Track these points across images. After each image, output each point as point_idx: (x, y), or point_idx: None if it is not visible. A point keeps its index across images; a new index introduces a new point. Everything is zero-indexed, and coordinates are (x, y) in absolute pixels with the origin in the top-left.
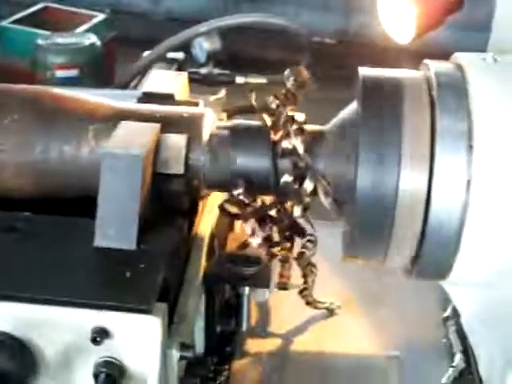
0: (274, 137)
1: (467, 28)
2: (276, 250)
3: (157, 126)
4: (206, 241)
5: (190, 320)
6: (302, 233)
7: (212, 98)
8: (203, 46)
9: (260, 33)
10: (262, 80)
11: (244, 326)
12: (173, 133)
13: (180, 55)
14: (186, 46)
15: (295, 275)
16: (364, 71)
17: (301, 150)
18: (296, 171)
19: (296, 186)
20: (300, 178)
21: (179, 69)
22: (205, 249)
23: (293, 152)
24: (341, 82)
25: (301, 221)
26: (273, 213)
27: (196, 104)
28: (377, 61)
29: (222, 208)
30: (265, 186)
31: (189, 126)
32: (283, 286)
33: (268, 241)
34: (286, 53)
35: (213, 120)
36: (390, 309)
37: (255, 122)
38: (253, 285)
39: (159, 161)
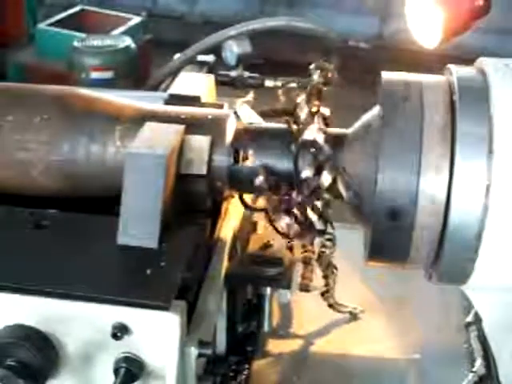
0: (296, 129)
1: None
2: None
3: (181, 127)
4: (229, 241)
5: (209, 318)
6: (321, 232)
7: (240, 100)
8: (233, 49)
9: (291, 37)
10: (292, 83)
11: (265, 327)
12: (197, 134)
13: (210, 58)
14: (216, 49)
15: (318, 277)
16: (386, 75)
17: (321, 140)
18: (316, 163)
19: (316, 179)
20: (320, 170)
21: (209, 71)
22: (227, 249)
23: (314, 144)
24: (373, 87)
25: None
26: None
27: (221, 106)
28: (411, 66)
29: (242, 200)
30: (288, 182)
31: (213, 127)
32: (305, 288)
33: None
34: (316, 57)
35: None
36: (412, 312)
37: (278, 125)
38: (274, 286)
39: (183, 161)
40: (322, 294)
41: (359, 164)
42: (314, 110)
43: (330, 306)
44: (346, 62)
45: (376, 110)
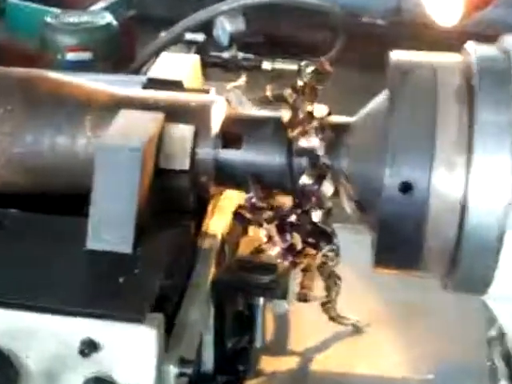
0: (291, 133)
1: None
2: (300, 259)
3: (160, 115)
4: (216, 245)
5: (192, 332)
6: (327, 239)
7: (230, 85)
8: (226, 27)
9: (292, 11)
10: (293, 66)
11: (258, 342)
12: (178, 123)
13: (199, 37)
14: (207, 27)
15: (319, 285)
16: (396, 55)
17: (320, 151)
18: (315, 171)
19: (315, 187)
20: (320, 179)
21: (198, 52)
22: (213, 254)
23: (311, 152)
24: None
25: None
26: (292, 218)
27: (207, 91)
28: (433, 44)
29: (237, 215)
30: (278, 185)
31: (196, 115)
32: (304, 298)
33: (290, 250)
34: (320, 35)
35: (224, 108)
36: (425, 324)
37: (271, 114)
38: (268, 295)
39: (162, 154)
40: (323, 305)
41: (363, 161)
42: (310, 109)
43: (332, 318)
44: (360, 41)
45: (384, 96)
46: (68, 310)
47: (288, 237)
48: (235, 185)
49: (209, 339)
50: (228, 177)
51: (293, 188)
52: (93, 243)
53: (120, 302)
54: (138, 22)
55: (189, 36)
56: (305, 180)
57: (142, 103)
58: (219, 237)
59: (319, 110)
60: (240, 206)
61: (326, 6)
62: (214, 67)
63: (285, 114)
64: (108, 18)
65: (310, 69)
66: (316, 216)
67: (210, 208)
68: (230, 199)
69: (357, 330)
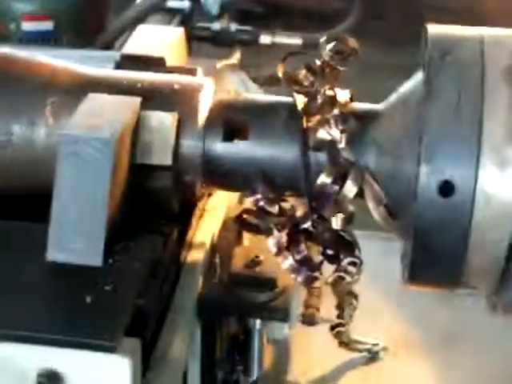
0: (307, 123)
1: None
2: (317, 274)
3: (136, 100)
4: (203, 256)
5: (175, 362)
6: (349, 250)
7: (221, 63)
8: None
9: None
10: (296, 40)
11: (255, 373)
12: (159, 110)
13: (184, 4)
14: None
15: (328, 304)
16: (434, 30)
17: (342, 144)
18: (336, 169)
19: (336, 188)
20: (341, 178)
21: (183, 23)
22: (201, 267)
23: (331, 145)
24: (411, 42)
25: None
26: (307, 225)
27: (193, 72)
28: (466, 15)
29: (240, 221)
30: (291, 185)
31: (181, 100)
32: (309, 320)
33: (305, 263)
34: (331, 2)
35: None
36: (464, 353)
37: (281, 99)
38: (266, 316)
39: (139, 147)
40: (333, 328)
41: (394, 157)
42: (330, 93)
43: (343, 344)
44: (380, 10)
45: (418, 78)
46: (24, 335)
47: (302, 247)
48: (238, 185)
49: (195, 370)
50: (229, 175)
51: (308, 189)
52: (55, 253)
53: (87, 326)
54: None
55: (171, 3)
56: (323, 179)
57: (114, 85)
58: (208, 247)
59: (341, 95)
60: (245, 210)
61: None
62: (202, 41)
63: (299, 100)
64: None
65: (330, 45)
66: (336, 222)
67: (196, 212)
68: (221, 202)
69: (373, 356)
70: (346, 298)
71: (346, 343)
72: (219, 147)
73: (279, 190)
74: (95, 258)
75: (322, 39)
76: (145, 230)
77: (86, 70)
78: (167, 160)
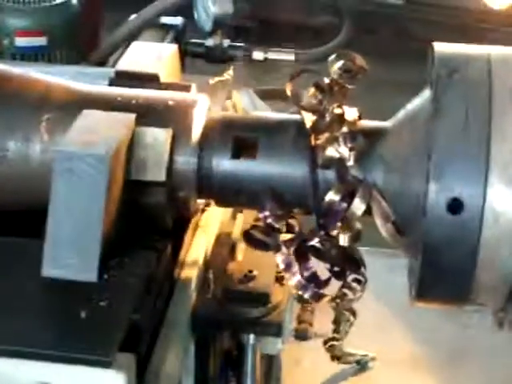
0: (316, 141)
1: None
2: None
3: (131, 116)
4: (197, 272)
5: (169, 377)
6: (354, 267)
7: (214, 79)
8: (209, 9)
9: None
10: (289, 56)
11: None
12: (153, 126)
13: (178, 20)
14: (186, 9)
15: (322, 319)
16: (441, 48)
17: (350, 161)
18: (344, 186)
19: (344, 206)
20: (349, 196)
21: (176, 39)
22: (194, 282)
23: (340, 163)
24: (407, 58)
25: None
26: (314, 242)
27: (187, 88)
28: (457, 29)
29: (248, 237)
30: (299, 202)
31: (175, 117)
32: (302, 335)
33: (313, 280)
34: (323, 18)
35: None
36: (469, 370)
37: (289, 117)
38: (260, 332)
39: (133, 163)
40: (326, 342)
41: (402, 174)
42: (338, 111)
43: (335, 358)
44: (370, 25)
45: (426, 95)
46: (20, 351)
47: (310, 264)
48: (246, 201)
49: None
50: (237, 192)
51: (317, 206)
52: (50, 269)
53: (82, 341)
54: (104, 1)
55: (165, 19)
56: (331, 197)
57: (108, 102)
58: (201, 262)
59: (349, 112)
60: (253, 226)
61: None
62: (195, 57)
63: (307, 118)
64: None
65: (339, 64)
66: (343, 239)
67: (190, 228)
68: (214, 217)
69: (362, 367)
70: (344, 314)
71: (338, 357)
72: (227, 164)
73: (287, 206)
74: (90, 274)
75: (331, 57)
76: (139, 246)
77: (81, 87)
78: (161, 176)
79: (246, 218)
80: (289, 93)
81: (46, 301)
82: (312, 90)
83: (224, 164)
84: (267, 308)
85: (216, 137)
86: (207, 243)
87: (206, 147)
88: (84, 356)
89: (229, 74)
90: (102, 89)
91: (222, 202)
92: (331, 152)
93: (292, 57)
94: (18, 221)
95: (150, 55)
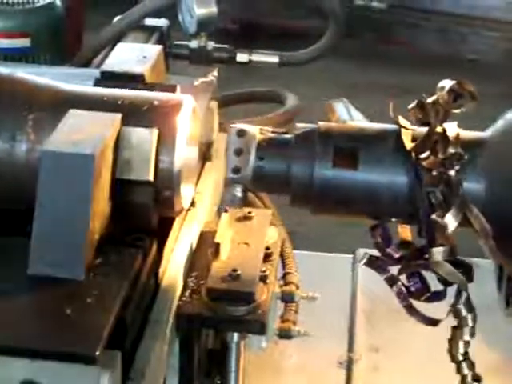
0: (421, 161)
1: None
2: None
3: (117, 116)
4: (181, 270)
5: (154, 374)
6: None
7: (199, 80)
8: (193, 11)
9: None
10: (273, 59)
11: None
12: (139, 126)
13: (162, 22)
14: (170, 11)
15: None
16: None
17: (455, 179)
18: (445, 200)
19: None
20: (447, 208)
21: (160, 40)
22: (179, 280)
23: (447, 183)
24: (388, 62)
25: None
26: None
27: (173, 88)
28: (440, 32)
29: (369, 262)
30: (398, 214)
31: (160, 117)
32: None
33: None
34: (308, 21)
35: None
36: None
37: (386, 127)
38: (243, 330)
39: (120, 163)
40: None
41: (503, 187)
42: (439, 130)
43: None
44: (353, 29)
45: None
46: (7, 347)
47: (417, 279)
48: (344, 211)
49: (173, 382)
50: (337, 201)
51: (426, 221)
52: (36, 267)
53: (68, 337)
54: (88, 3)
55: (149, 21)
56: (437, 214)
57: (94, 102)
58: (185, 261)
59: (450, 128)
60: (375, 258)
61: None
62: (179, 59)
63: (406, 134)
64: None
65: (447, 87)
66: (437, 255)
67: (174, 227)
68: (199, 216)
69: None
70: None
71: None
72: (329, 174)
73: (386, 216)
74: (77, 272)
75: (440, 83)
76: (125, 244)
77: (67, 87)
78: (147, 175)
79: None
80: (391, 113)
81: (32, 298)
82: (414, 109)
83: (325, 173)
84: (251, 307)
85: (317, 146)
86: (191, 242)
87: (301, 155)
88: (69, 352)
89: (213, 76)
90: (88, 89)
91: (319, 211)
92: (437, 172)
93: (276, 59)
94: (4, 219)
95: (135, 56)
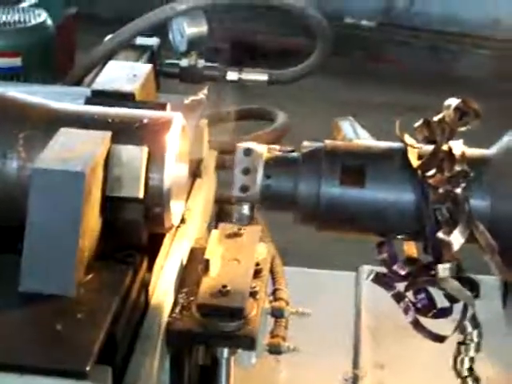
0: (427, 179)
1: None
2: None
3: (107, 134)
4: (172, 286)
5: None
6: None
7: (189, 99)
8: (184, 30)
9: (261, 13)
10: (262, 77)
11: None
12: (129, 144)
13: (153, 41)
14: (161, 30)
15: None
16: None
17: (461, 197)
18: (451, 216)
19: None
20: (453, 225)
21: (151, 59)
22: (169, 296)
23: (453, 201)
24: (377, 80)
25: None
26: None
27: (163, 106)
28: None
29: (376, 279)
30: (404, 231)
31: (150, 135)
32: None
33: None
34: (297, 40)
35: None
36: None
37: (392, 145)
38: (233, 345)
39: (110, 180)
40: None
41: (508, 203)
42: (445, 148)
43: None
44: (343, 47)
45: None
46: None
47: (423, 295)
48: (350, 228)
49: None
50: (343, 219)
51: (432, 238)
52: (27, 284)
53: (58, 352)
54: (79, 22)
55: (140, 40)
56: (443, 236)
57: (85, 120)
58: (176, 277)
59: (456, 146)
60: (380, 274)
61: (301, 8)
62: (170, 77)
63: (412, 153)
64: (43, 17)
65: (453, 106)
66: (443, 271)
67: (165, 243)
68: (189, 233)
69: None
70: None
71: None
72: (336, 191)
73: (393, 233)
74: (67, 288)
75: (447, 101)
76: (115, 261)
77: (58, 106)
78: (137, 193)
79: None
80: (397, 132)
81: (23, 314)
82: (420, 127)
83: (332, 191)
84: (241, 322)
85: (323, 164)
86: (182, 258)
87: (308, 173)
88: (60, 368)
89: (203, 94)
90: (79, 107)
91: (325, 228)
92: (444, 190)
93: (265, 77)
94: None
95: (126, 74)
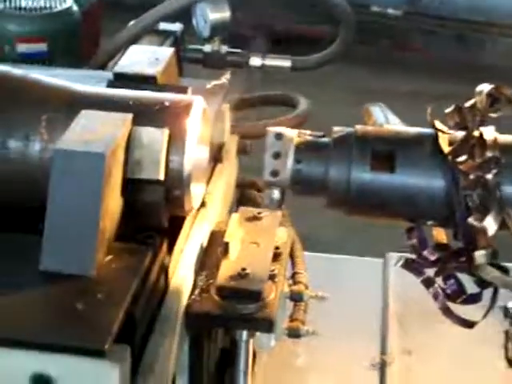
0: (458, 164)
1: None
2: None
3: (128, 116)
4: (192, 268)
5: (162, 370)
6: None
7: (211, 83)
8: (207, 16)
9: (284, 0)
10: (286, 63)
11: None
12: (150, 126)
13: (176, 27)
14: (184, 16)
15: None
16: None
17: (492, 183)
18: (482, 203)
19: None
20: (485, 212)
21: (175, 44)
22: (188, 279)
23: (485, 188)
24: (403, 68)
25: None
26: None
27: (184, 90)
28: (456, 40)
29: (406, 264)
30: (434, 217)
31: (171, 117)
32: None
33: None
34: (321, 27)
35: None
36: None
37: (423, 130)
38: (252, 328)
39: (130, 162)
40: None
41: None
42: (476, 134)
43: None
44: (369, 35)
45: None
46: (16, 340)
47: (452, 281)
48: (381, 213)
49: (183, 382)
50: (374, 204)
51: (461, 225)
52: (48, 264)
53: (78, 331)
54: (104, 8)
55: (163, 25)
56: (474, 222)
57: (106, 102)
58: (195, 260)
59: (487, 132)
60: (411, 260)
61: None
62: (193, 63)
63: (443, 138)
64: (68, 3)
65: (486, 91)
66: (479, 257)
67: (185, 225)
68: (209, 216)
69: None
70: None
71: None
72: (367, 177)
73: (423, 219)
74: (88, 269)
75: (479, 87)
76: (136, 242)
77: (80, 88)
78: (158, 175)
79: None
80: (428, 118)
81: (43, 293)
82: (452, 112)
83: (363, 176)
84: (259, 304)
85: (354, 150)
86: (202, 241)
87: (338, 159)
88: (80, 346)
89: (226, 78)
90: (101, 90)
91: (355, 213)
92: (475, 176)
93: (288, 63)
94: (17, 217)
95: (147, 58)
